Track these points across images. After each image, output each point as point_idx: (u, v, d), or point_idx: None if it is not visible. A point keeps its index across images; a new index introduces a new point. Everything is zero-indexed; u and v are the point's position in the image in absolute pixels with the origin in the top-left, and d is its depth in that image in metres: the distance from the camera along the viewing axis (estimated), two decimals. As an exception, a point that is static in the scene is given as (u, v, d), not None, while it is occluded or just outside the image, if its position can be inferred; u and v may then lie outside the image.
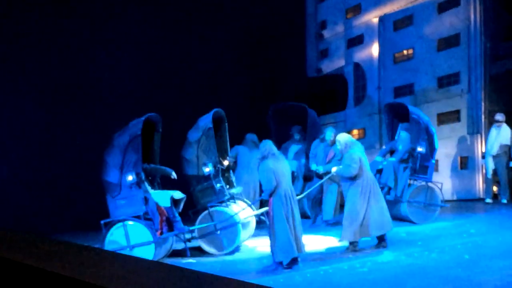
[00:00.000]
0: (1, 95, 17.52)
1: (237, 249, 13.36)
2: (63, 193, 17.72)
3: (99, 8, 19.33)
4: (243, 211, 13.42)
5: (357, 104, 23.22)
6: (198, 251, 13.17)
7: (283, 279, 9.75)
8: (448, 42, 20.15)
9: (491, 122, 18.76)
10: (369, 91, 23.13)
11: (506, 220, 14.69)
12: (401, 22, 21.89)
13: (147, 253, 11.84)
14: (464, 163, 19.49)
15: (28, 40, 17.99)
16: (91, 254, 3.32)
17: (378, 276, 9.51)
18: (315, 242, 13.08)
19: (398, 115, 16.32)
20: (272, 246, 10.79)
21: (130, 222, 12.07)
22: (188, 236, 12.85)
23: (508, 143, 17.43)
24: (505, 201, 17.41)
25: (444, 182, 17.35)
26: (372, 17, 23.01)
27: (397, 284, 9.12)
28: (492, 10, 19.34)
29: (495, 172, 17.72)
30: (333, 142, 14.30)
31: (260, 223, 14.44)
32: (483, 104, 19.08)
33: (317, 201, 15.78)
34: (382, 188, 15.06)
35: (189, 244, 12.86)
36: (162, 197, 12.38)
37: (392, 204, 14.92)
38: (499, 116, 17.48)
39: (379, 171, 15.30)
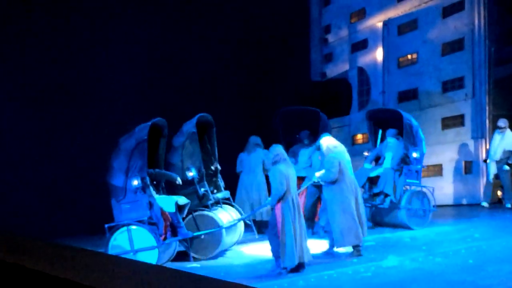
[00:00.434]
0: (2, 95, 17.51)
1: (221, 254, 13.37)
2: (65, 196, 17.72)
3: (98, 9, 19.34)
4: (228, 216, 13.47)
5: (361, 109, 23.22)
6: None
7: (287, 283, 9.74)
8: (453, 47, 20.17)
9: (495, 126, 18.76)
10: (373, 95, 23.14)
11: (510, 224, 14.69)
12: (405, 26, 21.92)
13: (151, 257, 11.84)
14: (469, 168, 19.48)
15: (29, 40, 18.00)
16: (96, 258, 3.33)
17: (383, 281, 9.50)
18: (318, 247, 13.06)
19: (380, 121, 16.24)
20: (277, 251, 10.77)
21: (134, 227, 12.06)
22: None
23: (511, 149, 17.42)
24: (509, 205, 17.38)
25: (448, 186, 17.39)
26: (377, 22, 23.04)
27: (401, 288, 9.14)
28: (496, 14, 19.35)
29: (496, 177, 17.69)
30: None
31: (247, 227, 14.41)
32: (487, 108, 19.08)
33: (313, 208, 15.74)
34: (376, 195, 15.05)
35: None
36: (167, 202, 12.37)
37: (387, 211, 14.91)
38: (502, 123, 17.46)
39: (371, 179, 15.21)
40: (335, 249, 12.32)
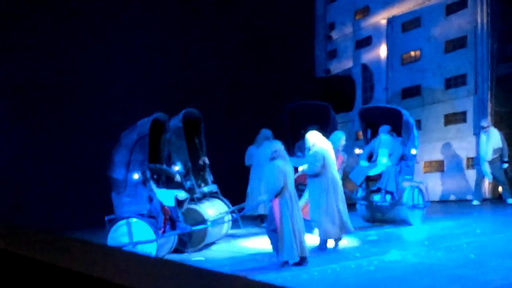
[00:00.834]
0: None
1: (207, 248, 13.52)
2: (66, 190, 17.76)
3: (98, 9, 19.38)
4: (214, 210, 13.63)
5: (364, 105, 23.29)
6: (206, 249, 13.30)
7: (290, 277, 9.82)
8: (455, 44, 20.26)
9: (497, 123, 18.86)
10: (376, 92, 23.23)
11: (512, 220, 14.79)
12: (409, 23, 22.01)
13: (149, 250, 11.92)
14: (471, 164, 19.58)
15: (29, 38, 18.02)
16: (101, 250, 3.44)
17: (385, 275, 9.58)
18: (314, 240, 13.18)
19: (372, 119, 16.22)
20: (277, 246, 10.88)
21: (134, 220, 12.14)
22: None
23: (501, 145, 17.47)
24: (511, 201, 17.47)
25: (450, 182, 17.48)
26: (380, 19, 23.13)
27: (404, 282, 9.20)
28: (499, 12, 19.43)
29: (492, 176, 17.78)
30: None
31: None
32: (489, 105, 19.17)
33: None
34: (373, 192, 15.07)
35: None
36: (167, 197, 12.48)
37: (388, 208, 14.95)
38: (484, 122, 17.55)
39: (370, 177, 15.23)
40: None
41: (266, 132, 16.15)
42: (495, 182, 18.03)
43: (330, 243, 12.41)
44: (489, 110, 19.16)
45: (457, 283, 8.72)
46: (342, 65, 25.15)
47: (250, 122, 18.61)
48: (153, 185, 12.55)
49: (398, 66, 22.41)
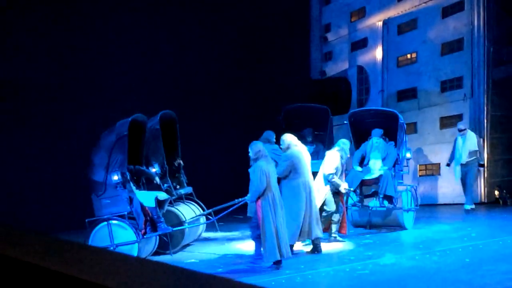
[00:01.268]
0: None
1: (182, 249, 13.51)
2: (43, 192, 17.62)
3: (95, 10, 19.32)
4: (190, 211, 13.61)
5: (360, 107, 23.26)
6: (199, 252, 13.24)
7: (285, 280, 9.79)
8: (452, 47, 20.24)
9: (493, 126, 18.83)
10: (372, 94, 23.21)
11: (507, 224, 14.75)
12: (405, 26, 21.99)
13: (131, 252, 11.86)
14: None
15: (21, 38, 17.94)
16: (89, 252, 3.37)
17: (380, 279, 9.55)
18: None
19: (362, 123, 16.08)
20: (259, 247, 10.88)
21: (115, 221, 12.10)
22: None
23: (476, 148, 17.35)
24: (468, 207, 17.25)
25: (446, 185, 17.43)
26: (376, 21, 23.11)
27: (398, 286, 9.17)
28: (495, 15, 19.42)
29: (462, 181, 17.62)
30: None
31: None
32: (485, 108, 19.15)
33: None
34: (371, 195, 14.95)
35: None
36: (147, 198, 12.43)
37: (385, 212, 14.87)
38: (462, 125, 17.44)
39: (364, 182, 15.06)
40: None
41: (267, 134, 15.93)
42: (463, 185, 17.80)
43: (298, 246, 12.38)
44: (485, 113, 19.13)
45: (451, 287, 8.68)
46: (338, 67, 25.14)
47: (246, 123, 18.57)
48: (133, 187, 12.49)
49: (394, 69, 22.39)
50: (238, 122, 20.53)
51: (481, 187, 19.10)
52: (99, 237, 12.07)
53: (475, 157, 17.41)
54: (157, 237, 12.69)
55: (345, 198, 14.12)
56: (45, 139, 17.77)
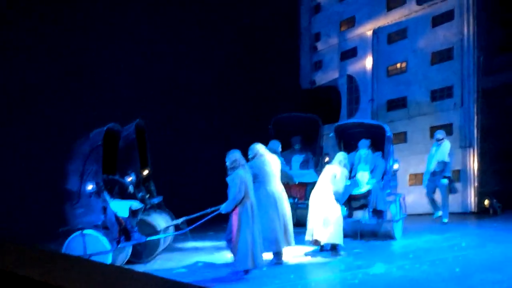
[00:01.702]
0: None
1: (155, 259, 13.48)
2: (15, 201, 17.46)
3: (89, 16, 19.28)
4: (162, 221, 13.58)
5: (350, 116, 23.28)
6: (188, 262, 13.17)
7: (275, 290, 9.76)
8: (442, 56, 20.27)
9: (483, 135, 18.82)
10: (362, 103, 23.21)
11: (497, 234, 14.73)
12: (395, 35, 22.01)
13: (104, 262, 11.78)
14: (456, 177, 19.53)
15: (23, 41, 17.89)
16: (78, 263, 3.32)
17: (369, 288, 9.53)
18: (303, 253, 13.10)
19: (348, 135, 15.99)
20: (234, 255, 10.90)
21: (88, 231, 12.03)
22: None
23: (446, 159, 17.09)
24: (446, 220, 17.09)
25: (436, 195, 17.36)
26: (366, 30, 23.13)
27: (388, 296, 9.16)
28: (485, 24, 19.45)
29: (434, 190, 17.46)
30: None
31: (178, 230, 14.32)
32: (475, 117, 19.15)
33: None
34: (360, 208, 14.84)
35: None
36: (121, 207, 12.40)
37: (375, 225, 14.79)
38: (440, 134, 17.21)
39: (353, 195, 14.88)
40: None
41: (272, 144, 15.73)
42: (429, 196, 17.57)
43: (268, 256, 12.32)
44: (475, 122, 19.13)
45: (442, 297, 8.65)
46: (328, 76, 25.13)
47: (235, 132, 18.52)
48: (106, 196, 12.43)
49: (384, 78, 22.40)
50: (227, 131, 20.48)
51: (471, 197, 19.10)
52: (72, 247, 11.97)
53: (442, 168, 17.16)
54: (130, 246, 12.63)
55: None
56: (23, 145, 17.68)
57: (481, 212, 18.80)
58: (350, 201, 14.64)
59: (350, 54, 24.01)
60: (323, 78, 25.40)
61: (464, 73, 19.46)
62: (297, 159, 17.26)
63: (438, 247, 13.07)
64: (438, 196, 17.19)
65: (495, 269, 10.28)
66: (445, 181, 16.95)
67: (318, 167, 17.44)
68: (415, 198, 19.55)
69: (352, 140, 15.70)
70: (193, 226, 12.94)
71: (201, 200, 13.48)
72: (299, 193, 16.25)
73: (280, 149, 15.70)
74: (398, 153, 17.60)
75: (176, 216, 13.88)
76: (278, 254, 12.19)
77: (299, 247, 13.73)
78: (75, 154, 12.52)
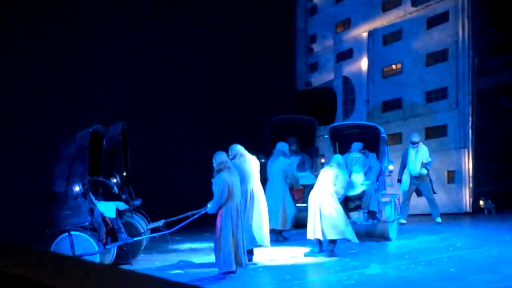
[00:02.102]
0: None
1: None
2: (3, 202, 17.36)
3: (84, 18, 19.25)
4: (143, 222, 13.70)
5: (345, 118, 23.32)
6: (185, 263, 13.20)
7: (271, 290, 9.81)
8: (437, 57, 20.33)
9: (478, 136, 18.89)
10: (357, 104, 23.25)
11: (492, 234, 14.78)
12: (390, 36, 22.06)
13: None
14: (451, 177, 19.61)
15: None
16: (74, 265, 3.37)
17: (365, 289, 9.58)
18: (300, 254, 13.14)
19: (342, 137, 16.08)
20: (216, 257, 11.00)
21: (75, 232, 12.07)
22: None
23: (429, 159, 17.15)
24: (439, 220, 17.19)
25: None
26: (362, 32, 23.17)
27: (383, 296, 9.20)
28: (480, 26, 19.51)
29: (418, 193, 17.47)
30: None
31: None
32: (470, 119, 19.21)
33: None
34: (355, 209, 14.84)
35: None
36: (108, 208, 12.47)
37: (370, 226, 14.81)
38: (415, 137, 17.24)
39: (348, 196, 14.86)
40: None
41: (281, 145, 15.72)
42: (407, 198, 17.55)
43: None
44: (470, 123, 19.19)
45: (437, 297, 8.70)
46: (323, 77, 25.16)
47: (230, 134, 18.50)
48: (92, 197, 12.48)
49: (379, 79, 22.46)
50: (223, 133, 20.48)
51: (466, 197, 19.17)
52: (60, 248, 11.99)
53: (426, 168, 17.22)
54: (115, 247, 12.68)
55: None
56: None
57: (476, 213, 18.86)
58: (346, 202, 14.65)
59: (345, 55, 24.05)
60: (318, 79, 25.43)
61: (459, 74, 19.51)
62: (294, 160, 17.27)
63: (433, 248, 13.13)
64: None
65: (490, 269, 10.35)
66: (428, 182, 17.10)
67: (314, 169, 17.51)
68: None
69: (347, 142, 15.75)
70: (175, 228, 13.04)
71: (188, 202, 13.59)
72: (297, 195, 16.26)
73: (288, 151, 15.75)
74: (393, 154, 17.66)
75: (154, 219, 13.98)
76: (250, 252, 12.27)
77: (295, 248, 13.82)
78: (61, 156, 12.56)
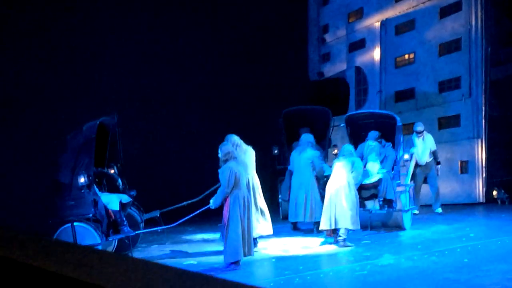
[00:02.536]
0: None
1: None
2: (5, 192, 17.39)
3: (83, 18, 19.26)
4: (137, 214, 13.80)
5: (358, 108, 23.28)
6: (197, 253, 13.23)
7: (283, 281, 9.79)
8: (450, 47, 20.25)
9: (491, 126, 18.82)
10: (370, 95, 23.21)
11: (505, 224, 14.74)
12: (403, 26, 22.00)
13: None
14: (465, 168, 19.56)
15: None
16: (89, 254, 3.37)
17: (378, 279, 9.54)
18: (313, 245, 13.15)
19: (359, 125, 16.11)
20: (224, 246, 11.03)
21: (78, 223, 12.09)
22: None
23: (435, 147, 17.21)
24: (440, 210, 17.20)
25: (444, 186, 17.40)
26: (374, 22, 23.12)
27: (397, 287, 9.17)
28: (493, 15, 19.43)
29: (425, 180, 17.48)
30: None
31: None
32: (483, 108, 19.15)
33: None
34: (370, 198, 14.82)
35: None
36: (111, 201, 12.49)
37: (385, 214, 14.80)
38: (420, 127, 17.20)
39: (363, 185, 14.84)
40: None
41: (306, 137, 15.64)
42: (418, 189, 17.55)
43: None
44: (483, 113, 19.13)
45: (450, 287, 8.67)
46: (336, 68, 25.15)
47: (244, 124, 18.49)
48: (96, 189, 12.50)
49: (392, 69, 22.40)
50: (235, 124, 20.48)
51: (479, 187, 19.12)
52: (62, 239, 11.98)
53: (433, 157, 17.28)
54: (116, 240, 12.72)
55: None
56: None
57: (489, 203, 18.81)
58: (360, 191, 14.63)
59: (358, 45, 23.99)
60: (331, 69, 25.41)
61: (472, 64, 19.44)
62: (321, 152, 17.24)
63: (447, 238, 13.08)
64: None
65: (504, 259, 10.31)
66: (439, 166, 17.16)
67: (326, 159, 17.48)
68: (423, 189, 19.55)
69: (362, 131, 15.75)
70: (181, 221, 13.08)
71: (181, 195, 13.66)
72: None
73: (313, 140, 15.65)
74: (406, 144, 17.61)
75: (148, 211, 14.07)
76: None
77: (308, 239, 13.82)
78: (68, 147, 12.56)
